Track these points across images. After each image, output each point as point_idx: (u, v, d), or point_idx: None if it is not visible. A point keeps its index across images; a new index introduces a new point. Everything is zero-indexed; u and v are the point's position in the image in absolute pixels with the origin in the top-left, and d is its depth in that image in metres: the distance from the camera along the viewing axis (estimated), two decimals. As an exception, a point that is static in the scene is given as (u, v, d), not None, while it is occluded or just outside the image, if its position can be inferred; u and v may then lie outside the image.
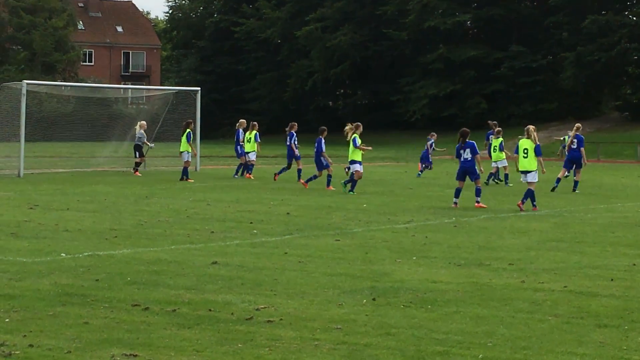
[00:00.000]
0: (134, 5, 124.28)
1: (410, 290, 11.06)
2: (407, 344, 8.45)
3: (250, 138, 34.45)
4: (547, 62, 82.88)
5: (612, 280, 11.92)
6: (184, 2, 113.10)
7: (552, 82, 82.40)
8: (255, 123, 35.57)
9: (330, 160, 29.38)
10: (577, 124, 30.83)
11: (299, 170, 32.34)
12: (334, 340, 8.57)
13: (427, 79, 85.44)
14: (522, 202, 22.18)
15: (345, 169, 30.59)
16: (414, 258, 13.71)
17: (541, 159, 22.65)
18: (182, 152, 32.74)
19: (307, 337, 8.68)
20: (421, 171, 38.23)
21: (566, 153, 30.89)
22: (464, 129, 23.93)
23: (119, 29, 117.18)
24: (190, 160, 33.23)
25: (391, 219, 19.51)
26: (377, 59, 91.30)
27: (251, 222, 18.41)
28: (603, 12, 79.27)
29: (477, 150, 23.24)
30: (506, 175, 31.61)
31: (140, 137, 36.18)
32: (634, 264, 13.33)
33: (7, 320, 9.26)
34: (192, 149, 33.29)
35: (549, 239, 16.41)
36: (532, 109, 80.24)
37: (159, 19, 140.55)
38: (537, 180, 22.77)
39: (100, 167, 40.26)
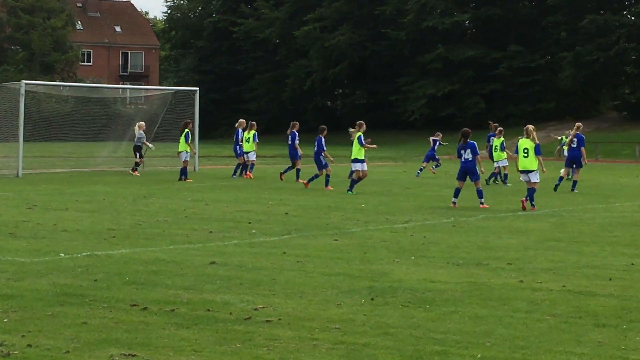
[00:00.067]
0: (132, 5, 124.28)
1: (409, 290, 11.06)
2: (405, 344, 8.45)
3: (249, 138, 34.44)
4: (546, 62, 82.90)
5: (610, 279, 11.93)
6: (182, 2, 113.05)
7: (550, 82, 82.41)
8: (254, 123, 35.56)
9: (331, 159, 29.43)
10: (578, 123, 30.79)
11: (298, 170, 32.36)
12: (332, 340, 8.57)
13: (426, 79, 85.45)
14: (526, 200, 22.21)
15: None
16: (413, 258, 13.72)
17: (541, 158, 22.67)
18: (180, 152, 32.72)
19: (305, 336, 8.68)
20: (421, 169, 38.28)
21: (565, 153, 30.91)
22: (465, 129, 23.94)
23: (118, 29, 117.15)
24: (188, 160, 33.23)
25: (389, 219, 19.51)
26: (375, 59, 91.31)
27: (250, 222, 18.41)
28: (601, 12, 79.29)
29: (478, 151, 23.25)
30: (505, 175, 31.63)
31: (140, 138, 36.21)
32: (632, 264, 13.33)
33: (5, 320, 9.26)
34: (190, 148, 33.27)
35: (547, 238, 16.41)
36: (530, 109, 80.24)
37: (158, 19, 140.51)
38: (539, 180, 22.82)
39: (99, 167, 40.25)
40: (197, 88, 42.56)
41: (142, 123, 37.13)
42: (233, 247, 14.69)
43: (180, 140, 32.68)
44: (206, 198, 24.46)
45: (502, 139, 31.73)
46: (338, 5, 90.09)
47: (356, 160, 26.94)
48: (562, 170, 31.51)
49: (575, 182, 28.88)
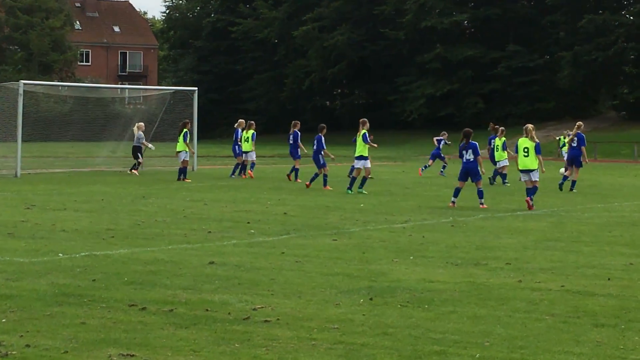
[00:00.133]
0: (130, 5, 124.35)
1: (407, 289, 11.06)
2: (404, 344, 8.44)
3: (247, 137, 34.44)
4: (544, 61, 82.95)
5: (609, 279, 11.93)
6: (181, 2, 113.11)
7: (549, 81, 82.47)
8: (252, 122, 35.57)
9: (332, 156, 29.44)
10: (579, 122, 30.81)
11: (296, 170, 32.34)
12: (331, 340, 8.56)
13: (424, 79, 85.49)
14: (531, 199, 22.23)
15: (349, 175, 30.60)
16: (411, 258, 13.71)
17: (541, 157, 22.69)
18: (179, 152, 32.65)
19: (304, 336, 8.68)
20: (426, 167, 38.31)
21: (563, 153, 30.95)
22: (467, 129, 23.95)
23: (116, 29, 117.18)
24: (188, 159, 33.22)
25: (388, 219, 19.51)
26: (374, 59, 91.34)
27: (248, 222, 18.41)
28: (600, 12, 79.37)
29: (479, 152, 23.25)
30: (504, 175, 31.64)
31: (139, 138, 36.24)
32: (631, 263, 13.33)
33: (4, 320, 9.26)
34: (189, 148, 33.24)
35: (546, 238, 16.41)
36: (529, 109, 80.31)
37: (156, 18, 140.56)
38: (539, 179, 22.87)
39: (98, 168, 40.24)
40: (196, 88, 42.56)
41: (142, 124, 37.16)
42: (232, 247, 14.68)
43: (179, 140, 32.64)
44: (205, 198, 24.45)
45: (503, 138, 31.83)
46: (337, 5, 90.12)
47: (360, 158, 26.92)
48: (562, 170, 31.62)
49: (574, 182, 28.88)
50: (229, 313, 9.65)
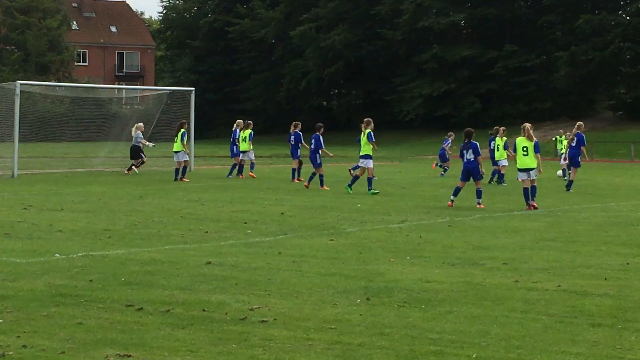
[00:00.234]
0: (127, 5, 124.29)
1: (404, 289, 11.06)
2: (401, 344, 8.45)
3: (245, 137, 34.44)
4: (541, 61, 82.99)
5: (605, 279, 11.93)
6: (178, 2, 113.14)
7: (546, 81, 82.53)
8: (250, 122, 35.60)
9: (331, 154, 29.43)
10: (579, 122, 30.94)
11: (294, 170, 32.33)
12: (327, 340, 8.57)
13: (421, 79, 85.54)
14: (533, 200, 22.27)
15: (350, 170, 30.50)
16: (408, 258, 13.71)
17: (539, 156, 22.70)
18: (177, 152, 32.55)
19: (301, 337, 8.68)
20: (441, 166, 38.30)
21: (560, 153, 31.01)
22: (469, 129, 23.98)
23: (113, 29, 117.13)
24: (187, 159, 33.21)
25: (385, 219, 19.51)
26: (371, 59, 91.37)
27: (245, 222, 18.40)
28: (596, 12, 79.41)
29: (480, 152, 23.26)
30: (502, 175, 31.69)
31: (137, 138, 36.29)
32: (628, 263, 13.34)
33: (0, 320, 9.25)
34: (185, 148, 33.19)
35: (542, 238, 16.41)
36: (526, 109, 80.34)
37: (153, 19, 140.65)
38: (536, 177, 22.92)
39: (95, 168, 40.22)
40: (193, 88, 42.55)
41: (141, 124, 37.26)
42: (229, 247, 14.68)
43: (177, 140, 32.56)
44: (202, 198, 24.45)
45: (505, 138, 31.93)
46: (334, 5, 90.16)
47: (366, 157, 26.88)
48: (559, 172, 31.82)
49: (570, 182, 28.91)
50: (226, 313, 9.65)
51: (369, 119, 27.62)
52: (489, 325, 9.21)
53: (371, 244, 15.34)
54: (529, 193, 22.44)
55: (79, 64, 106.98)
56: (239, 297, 10.50)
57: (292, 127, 32.72)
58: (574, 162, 29.34)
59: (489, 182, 31.30)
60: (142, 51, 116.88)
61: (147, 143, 36.87)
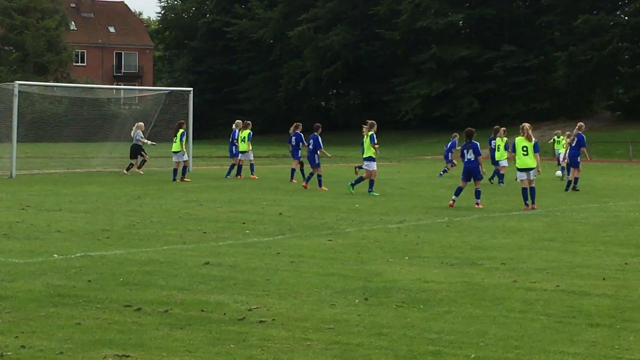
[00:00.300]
0: (126, 5, 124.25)
1: (403, 290, 11.06)
2: (399, 344, 8.45)
3: (244, 137, 34.44)
4: (539, 61, 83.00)
5: (604, 279, 11.93)
6: (176, 2, 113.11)
7: (544, 81, 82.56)
8: (249, 122, 35.61)
9: (329, 155, 29.40)
10: (580, 123, 31.05)
11: (293, 170, 32.31)
12: (326, 340, 8.56)
13: (420, 79, 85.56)
14: (534, 203, 22.30)
15: (356, 168, 30.54)
16: (407, 258, 13.71)
17: (538, 156, 22.71)
18: (177, 152, 32.46)
19: (299, 337, 8.68)
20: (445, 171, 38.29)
21: (557, 153, 31.06)
22: (470, 128, 23.99)
23: (111, 29, 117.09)
24: (187, 159, 33.18)
25: (383, 219, 19.51)
26: (369, 59, 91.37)
27: (243, 223, 18.40)
28: (595, 12, 79.41)
29: (481, 152, 23.27)
30: (502, 175, 31.73)
31: (136, 137, 36.32)
32: (626, 263, 13.34)
33: (-2, 321, 9.26)
34: (184, 149, 33.14)
35: (541, 238, 16.42)
36: (524, 109, 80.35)
37: (151, 19, 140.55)
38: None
39: (93, 168, 40.21)
40: (191, 88, 42.52)
41: (142, 124, 37.32)
42: (227, 248, 14.68)
43: (176, 141, 32.48)
44: (200, 198, 24.45)
45: (505, 138, 31.97)
46: (332, 6, 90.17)
47: (369, 159, 26.83)
48: (558, 173, 31.91)
49: (569, 182, 28.94)
50: (224, 313, 9.64)
51: (373, 121, 27.52)
52: (487, 325, 9.21)
53: (369, 244, 15.34)
54: (528, 193, 22.45)
55: (77, 64, 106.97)
56: (238, 298, 10.50)
57: (292, 128, 32.67)
58: (573, 163, 29.38)
59: (490, 179, 31.36)
60: (140, 51, 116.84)
61: (148, 142, 36.89)
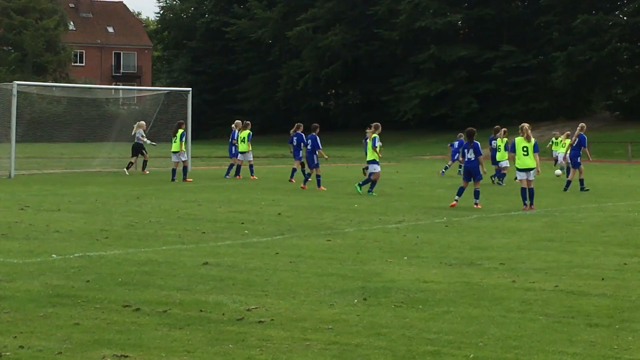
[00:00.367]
0: (124, 5, 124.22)
1: (402, 290, 11.06)
2: (398, 344, 8.45)
3: (244, 137, 34.44)
4: (538, 61, 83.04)
5: (603, 279, 11.93)
6: (175, 2, 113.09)
7: (543, 81, 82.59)
8: (248, 122, 35.62)
9: (326, 156, 29.39)
10: (581, 124, 31.15)
11: (294, 170, 32.28)
12: (325, 340, 8.56)
13: (418, 79, 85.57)
14: (531, 203, 22.30)
15: (364, 169, 30.49)
16: (405, 258, 13.71)
17: (538, 156, 22.73)
18: (177, 152, 32.41)
19: (298, 337, 8.68)
20: (447, 167, 38.32)
21: (554, 153, 31.10)
22: (470, 128, 23.98)
23: (110, 29, 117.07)
24: (186, 159, 33.15)
25: (382, 219, 19.51)
26: (368, 59, 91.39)
27: (242, 223, 18.40)
28: (593, 12, 79.44)
29: (481, 151, 23.27)
30: (503, 175, 31.78)
31: (137, 135, 36.34)
32: (625, 263, 13.34)
33: (-3, 321, 9.25)
34: (183, 149, 33.10)
35: (540, 238, 16.42)
36: (523, 109, 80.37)
37: (150, 19, 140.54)
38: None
39: (92, 168, 40.20)
40: (190, 88, 42.51)
41: (143, 123, 37.35)
42: (226, 248, 14.67)
43: (176, 141, 32.44)
44: (199, 198, 24.44)
45: (505, 139, 31.99)
46: (331, 6, 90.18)
47: (372, 162, 26.79)
48: (557, 172, 31.94)
49: (569, 182, 28.95)
50: (223, 314, 9.64)
51: (377, 123, 27.47)
52: (486, 325, 9.21)
53: (368, 244, 15.34)
54: (527, 193, 22.46)
55: (76, 64, 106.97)
56: (236, 298, 10.50)
57: (294, 128, 32.70)
58: (573, 163, 29.41)
59: (491, 177, 31.43)
60: (139, 51, 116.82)
61: (148, 141, 36.89)
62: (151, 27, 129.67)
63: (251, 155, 35.05)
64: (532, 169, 22.55)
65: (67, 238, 15.72)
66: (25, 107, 46.91)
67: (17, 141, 35.10)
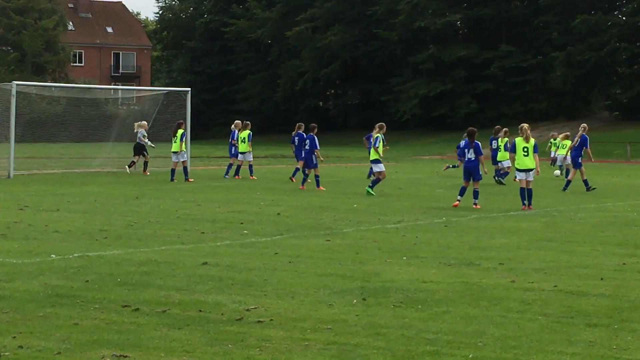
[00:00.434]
0: (124, 5, 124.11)
1: (401, 290, 11.06)
2: (397, 344, 8.45)
3: (244, 138, 34.45)
4: (537, 61, 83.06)
5: (602, 279, 11.94)
6: (174, 2, 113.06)
7: (542, 81, 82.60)
8: (248, 122, 35.62)
9: (321, 158, 29.40)
10: (583, 124, 31.24)
11: (297, 169, 32.26)
12: (324, 340, 8.57)
13: (418, 79, 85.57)
14: (529, 204, 22.31)
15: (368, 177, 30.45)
16: (405, 258, 13.71)
17: (537, 157, 22.74)
18: (177, 152, 32.38)
19: (297, 337, 8.68)
20: (455, 166, 38.40)
21: (552, 155, 31.12)
22: (471, 128, 24.01)
23: (109, 29, 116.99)
24: (186, 159, 33.12)
25: (381, 219, 19.51)
26: (367, 59, 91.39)
27: (241, 223, 18.40)
28: (592, 12, 79.48)
29: (482, 151, 23.28)
30: (505, 174, 31.81)
31: (139, 135, 36.34)
32: (624, 263, 13.35)
33: (-4, 321, 9.25)
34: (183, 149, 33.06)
35: (539, 238, 16.43)
36: (522, 109, 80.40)
37: (149, 19, 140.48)
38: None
39: (92, 169, 40.18)
40: (189, 88, 42.43)
41: (145, 122, 37.35)
42: (225, 248, 14.68)
43: (177, 141, 32.40)
44: (198, 199, 24.44)
45: (506, 139, 32.02)
46: (330, 6, 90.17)
47: (374, 161, 26.79)
48: (556, 172, 32.01)
49: (569, 182, 28.97)
50: (222, 314, 9.64)
51: (382, 123, 27.48)
52: (485, 325, 9.21)
53: (367, 244, 15.34)
54: (525, 193, 22.47)
55: (75, 64, 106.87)
56: (236, 298, 10.50)
57: (295, 128, 32.75)
58: (575, 164, 29.45)
59: (494, 178, 31.48)
60: (138, 52, 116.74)
61: (149, 143, 36.88)
62: (150, 27, 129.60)
63: (251, 156, 35.07)
64: (531, 170, 22.57)
65: (67, 238, 15.72)
66: (25, 108, 46.86)
67: (16, 141, 35.08)
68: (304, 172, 31.26)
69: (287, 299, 10.50)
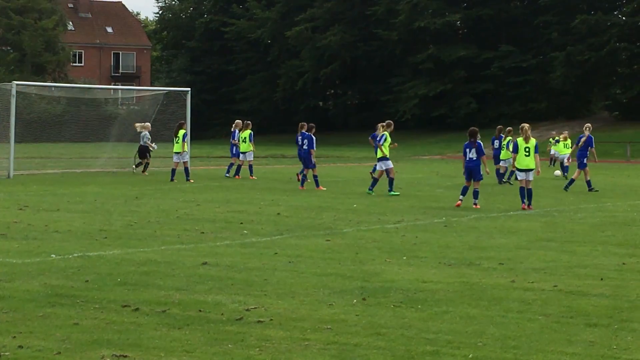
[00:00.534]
0: (123, 5, 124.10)
1: (401, 290, 11.06)
2: (397, 344, 8.45)
3: (245, 138, 34.44)
4: (537, 61, 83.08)
5: (602, 279, 11.94)
6: (173, 2, 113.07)
7: (541, 81, 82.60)
8: (249, 122, 35.63)
9: (314, 159, 29.41)
10: (588, 124, 31.33)
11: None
12: (324, 340, 8.56)
13: (417, 79, 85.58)
14: (529, 204, 22.32)
15: (371, 172, 30.36)
16: (404, 258, 13.71)
17: (538, 157, 22.77)
18: (178, 152, 32.34)
19: (297, 337, 8.68)
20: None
21: (552, 153, 31.13)
22: (473, 128, 23.98)
23: (109, 29, 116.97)
24: (187, 159, 33.10)
25: (381, 219, 19.51)
26: (367, 59, 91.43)
27: (241, 223, 18.40)
28: (592, 12, 79.50)
29: (484, 151, 23.28)
30: (504, 174, 31.86)
31: (144, 137, 36.32)
32: (624, 263, 13.35)
33: (-4, 321, 9.25)
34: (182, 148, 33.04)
35: (539, 238, 16.42)
36: (522, 109, 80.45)
37: (149, 19, 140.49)
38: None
39: (92, 169, 40.17)
40: (189, 88, 42.43)
41: (148, 124, 37.33)
42: (225, 248, 14.67)
43: (178, 141, 32.36)
44: (198, 199, 24.44)
45: (509, 138, 32.07)
46: (330, 6, 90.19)
47: (382, 159, 26.72)
48: (557, 172, 32.02)
49: (571, 181, 29.00)
50: (222, 313, 9.64)
51: (390, 121, 27.47)
52: (485, 325, 9.21)
53: (367, 244, 15.34)
54: (525, 192, 22.48)
55: (75, 64, 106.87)
56: (235, 298, 10.50)
57: (299, 128, 32.76)
58: (579, 164, 29.50)
59: (508, 180, 31.53)
60: (138, 52, 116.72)
61: (153, 145, 36.86)
62: (150, 27, 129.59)
63: (252, 156, 35.05)
64: (532, 170, 22.60)
65: (66, 238, 15.71)
66: (24, 108, 46.89)
67: (16, 141, 35.09)
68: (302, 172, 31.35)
69: (287, 299, 10.50)
